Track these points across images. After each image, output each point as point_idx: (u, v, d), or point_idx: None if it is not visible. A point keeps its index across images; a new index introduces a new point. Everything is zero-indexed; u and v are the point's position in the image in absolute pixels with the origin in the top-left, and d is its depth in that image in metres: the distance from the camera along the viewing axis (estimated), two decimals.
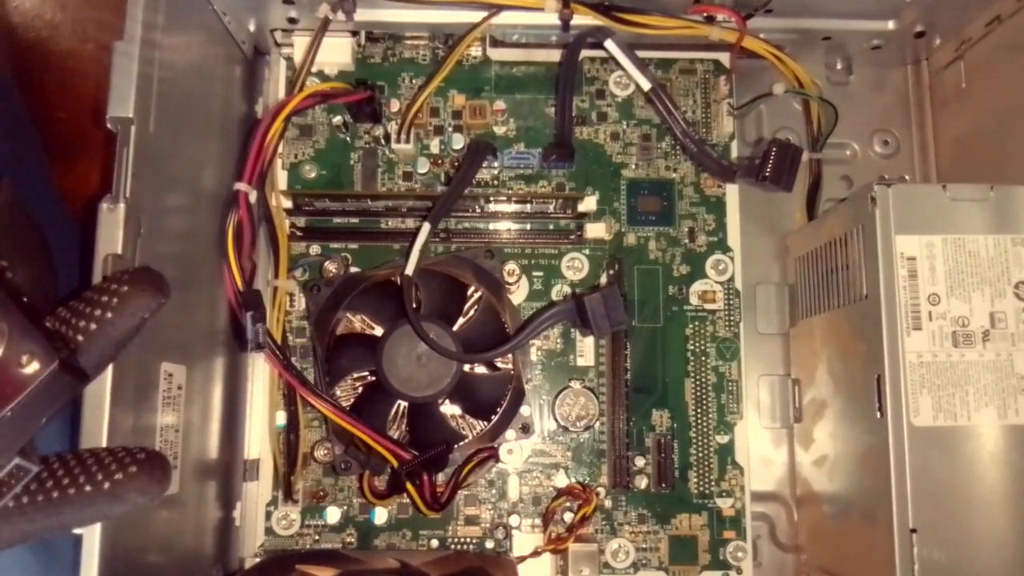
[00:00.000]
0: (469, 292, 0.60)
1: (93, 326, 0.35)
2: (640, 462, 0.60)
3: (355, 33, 0.62)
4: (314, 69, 0.61)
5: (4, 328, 0.32)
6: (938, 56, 0.67)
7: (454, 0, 0.58)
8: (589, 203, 0.61)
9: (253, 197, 0.53)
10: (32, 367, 0.32)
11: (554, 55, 0.63)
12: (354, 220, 0.61)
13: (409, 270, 0.55)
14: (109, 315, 0.36)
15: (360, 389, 0.59)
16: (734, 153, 0.63)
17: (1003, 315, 0.50)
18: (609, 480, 0.60)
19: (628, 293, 0.61)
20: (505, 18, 0.59)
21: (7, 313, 0.32)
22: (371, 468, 0.57)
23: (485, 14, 0.58)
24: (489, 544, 0.59)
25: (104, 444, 0.40)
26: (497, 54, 0.63)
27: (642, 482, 0.60)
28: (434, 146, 0.62)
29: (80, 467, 0.35)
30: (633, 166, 0.63)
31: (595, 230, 0.62)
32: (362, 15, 0.59)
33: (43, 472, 0.35)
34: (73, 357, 0.35)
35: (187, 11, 0.52)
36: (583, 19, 0.58)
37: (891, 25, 0.63)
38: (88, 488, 0.34)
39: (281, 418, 0.59)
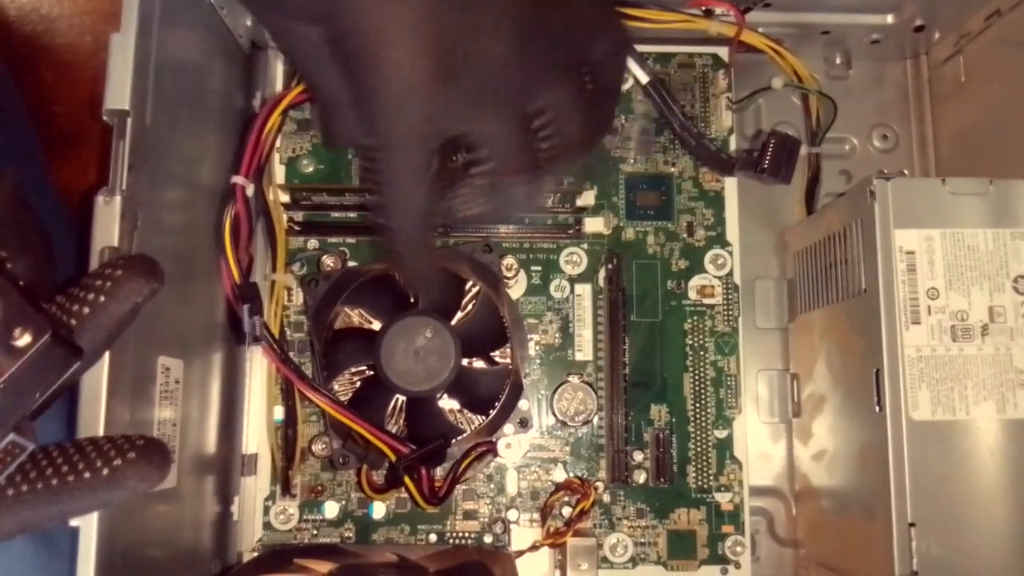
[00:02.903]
0: (467, 287, 0.60)
1: (86, 310, 0.35)
2: (639, 457, 0.60)
3: None
4: None
5: None
6: (937, 50, 0.67)
7: None
8: (587, 197, 0.61)
9: (250, 190, 0.53)
10: (24, 340, 0.32)
11: None
12: (352, 215, 0.61)
13: None
14: (102, 299, 0.35)
15: (358, 383, 0.59)
16: (732, 147, 0.63)
17: (1002, 309, 0.50)
18: (607, 475, 0.60)
19: (627, 288, 0.61)
20: None
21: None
22: (369, 462, 0.57)
23: None
24: (487, 538, 0.59)
25: None
26: None
27: (640, 477, 0.59)
28: None
29: (79, 454, 0.35)
30: (631, 160, 0.63)
31: (593, 224, 0.62)
32: None
33: (42, 460, 0.35)
34: (68, 334, 0.35)
35: (184, 4, 0.52)
36: None
37: (890, 19, 0.63)
38: (87, 475, 0.34)
39: (279, 413, 0.59)
